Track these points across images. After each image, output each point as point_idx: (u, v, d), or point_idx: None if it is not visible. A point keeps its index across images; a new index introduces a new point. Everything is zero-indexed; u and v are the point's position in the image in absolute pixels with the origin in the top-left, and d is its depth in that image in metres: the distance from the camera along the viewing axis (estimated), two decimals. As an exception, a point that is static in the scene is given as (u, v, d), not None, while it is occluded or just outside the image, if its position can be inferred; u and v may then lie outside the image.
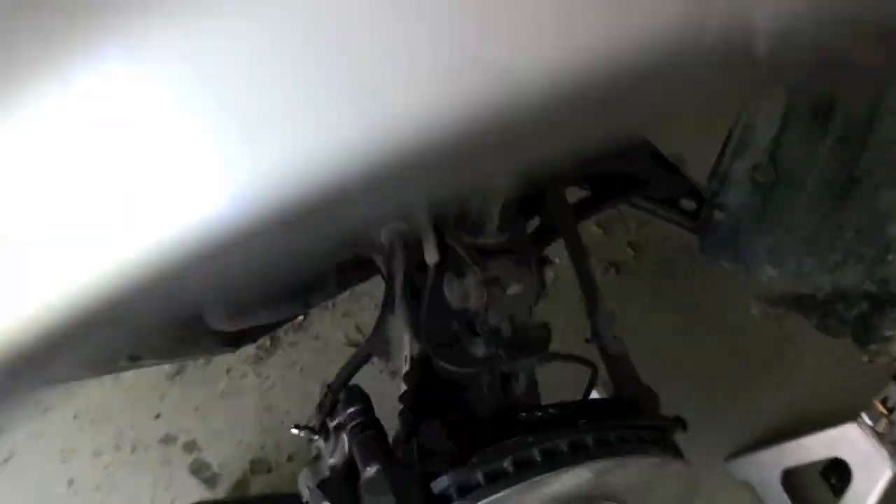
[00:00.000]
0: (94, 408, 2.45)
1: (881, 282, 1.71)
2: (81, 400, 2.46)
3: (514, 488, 1.16)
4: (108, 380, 2.51)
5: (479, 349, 1.27)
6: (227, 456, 2.39)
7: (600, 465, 1.20)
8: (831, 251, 1.70)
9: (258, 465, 2.38)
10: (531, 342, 1.29)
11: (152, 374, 2.54)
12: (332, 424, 1.29)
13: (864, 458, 2.16)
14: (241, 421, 2.47)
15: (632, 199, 2.20)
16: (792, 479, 2.39)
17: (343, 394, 1.29)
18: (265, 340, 2.66)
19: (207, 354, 1.78)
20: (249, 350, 2.64)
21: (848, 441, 2.20)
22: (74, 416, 2.43)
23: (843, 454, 2.23)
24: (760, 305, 2.98)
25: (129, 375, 2.53)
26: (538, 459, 1.19)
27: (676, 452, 1.32)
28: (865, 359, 1.85)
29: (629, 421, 1.28)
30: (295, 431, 1.36)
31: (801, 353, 2.85)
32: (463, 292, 1.24)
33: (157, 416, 2.45)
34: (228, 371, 2.58)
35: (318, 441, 1.34)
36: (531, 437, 1.20)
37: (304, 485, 1.34)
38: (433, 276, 1.27)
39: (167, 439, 2.41)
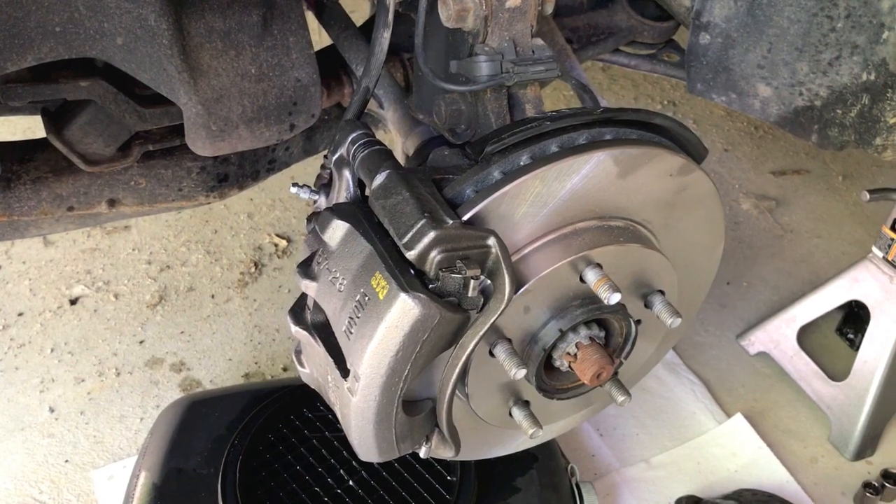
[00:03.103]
0: (73, 340, 2.31)
1: (879, 65, 1.67)
2: (58, 333, 2.32)
3: (531, 174, 1.08)
4: (84, 313, 2.38)
5: (484, 67, 1.19)
6: (219, 372, 2.26)
7: (619, 152, 1.12)
8: (825, 48, 1.66)
9: (252, 379, 2.25)
10: (537, 61, 1.22)
11: (133, 304, 2.42)
12: (333, 162, 1.19)
13: (881, 289, 2.09)
14: (230, 340, 2.35)
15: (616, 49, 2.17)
16: (807, 343, 2.31)
17: (339, 127, 1.20)
18: (250, 266, 2.56)
19: (189, 201, 1.67)
20: (233, 276, 2.53)
21: (861, 279, 2.13)
22: (52, 350, 2.28)
23: (857, 295, 2.15)
24: (751, 200, 2.95)
25: (107, 307, 2.40)
26: (555, 150, 1.11)
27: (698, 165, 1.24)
28: (873, 152, 1.80)
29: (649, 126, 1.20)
30: (293, 190, 1.26)
31: (799, 240, 2.81)
32: (460, 6, 1.17)
33: (141, 342, 2.32)
34: (213, 297, 2.46)
35: (319, 198, 1.25)
36: (547, 134, 1.12)
37: (305, 239, 1.24)
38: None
39: (153, 362, 2.27)
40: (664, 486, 2.06)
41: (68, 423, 2.11)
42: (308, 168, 1.95)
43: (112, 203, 1.61)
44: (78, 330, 2.34)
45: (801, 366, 2.27)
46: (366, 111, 1.42)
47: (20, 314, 2.37)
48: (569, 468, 1.86)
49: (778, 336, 2.33)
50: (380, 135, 1.55)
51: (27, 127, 2.76)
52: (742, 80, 1.79)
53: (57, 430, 2.10)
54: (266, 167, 1.75)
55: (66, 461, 2.04)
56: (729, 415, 2.24)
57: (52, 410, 2.14)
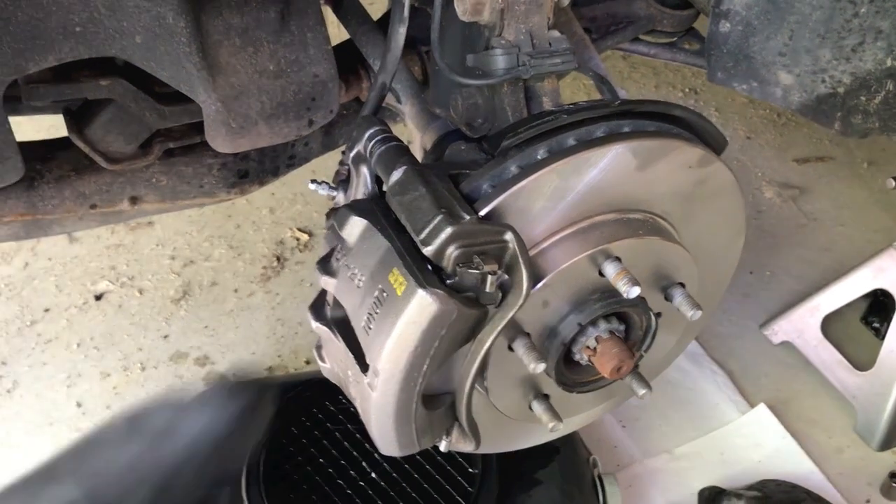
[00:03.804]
0: (98, 336, 2.34)
1: (904, 50, 1.64)
2: (84, 329, 2.36)
3: (548, 168, 1.07)
4: (109, 308, 2.41)
5: (500, 60, 1.19)
6: (243, 366, 2.28)
7: (638, 144, 1.11)
8: (847, 34, 1.63)
9: (276, 372, 2.27)
10: (554, 53, 1.21)
11: (157, 299, 2.44)
12: (350, 158, 1.20)
13: (907, 278, 2.06)
14: (253, 334, 2.37)
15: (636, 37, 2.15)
16: (832, 333, 2.28)
17: (357, 123, 1.20)
18: (272, 260, 2.57)
19: (210, 198, 1.69)
20: (256, 270, 2.55)
21: (887, 267, 2.11)
22: (78, 345, 2.32)
23: (883, 284, 2.13)
24: (774, 188, 2.92)
25: (132, 303, 2.43)
26: (573, 143, 1.11)
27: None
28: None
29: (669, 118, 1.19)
30: (312, 186, 1.27)
31: (823, 228, 2.78)
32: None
33: (165, 337, 2.35)
34: (236, 291, 2.48)
35: (337, 194, 1.25)
36: (564, 127, 1.12)
37: (325, 235, 1.24)
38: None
39: (177, 357, 2.30)
40: (687, 477, 2.05)
41: (95, 418, 2.14)
42: (330, 162, 1.96)
43: (134, 200, 1.62)
44: (103, 325, 2.37)
45: (826, 355, 2.24)
46: (384, 106, 1.42)
47: (46, 310, 2.40)
48: (591, 460, 1.86)
49: (802, 325, 2.31)
50: (398, 129, 1.55)
51: (51, 125, 2.79)
52: (763, 68, 1.76)
53: (84, 424, 2.13)
54: (286, 163, 1.76)
55: (94, 455, 2.07)
56: (752, 405, 2.22)
57: (79, 405, 2.17)
